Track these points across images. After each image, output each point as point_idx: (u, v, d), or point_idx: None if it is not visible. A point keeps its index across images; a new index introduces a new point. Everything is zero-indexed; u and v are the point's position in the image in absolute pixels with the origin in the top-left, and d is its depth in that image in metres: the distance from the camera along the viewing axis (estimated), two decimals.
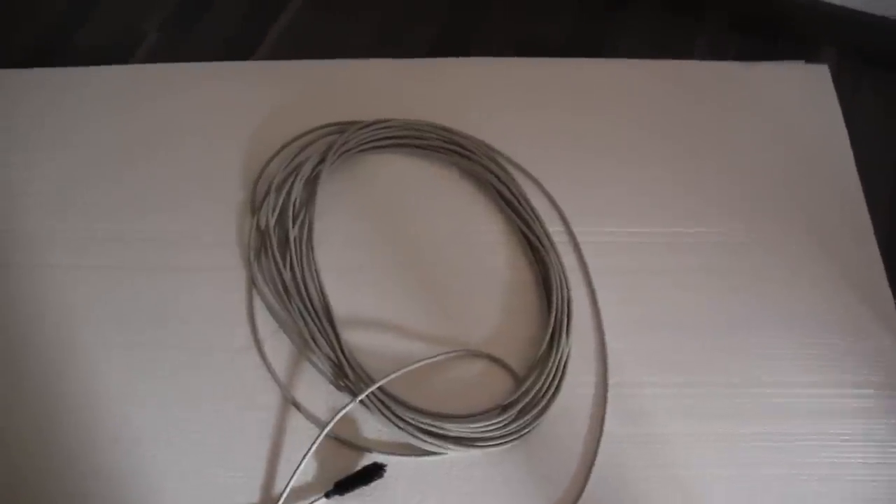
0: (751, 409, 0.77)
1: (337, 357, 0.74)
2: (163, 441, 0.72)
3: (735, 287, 0.85)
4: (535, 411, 0.74)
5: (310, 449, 0.70)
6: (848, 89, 1.00)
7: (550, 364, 0.76)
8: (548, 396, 0.75)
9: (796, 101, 0.99)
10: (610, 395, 0.77)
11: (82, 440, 0.72)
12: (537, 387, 0.75)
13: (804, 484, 0.74)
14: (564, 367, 0.77)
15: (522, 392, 0.75)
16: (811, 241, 0.88)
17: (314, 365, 0.76)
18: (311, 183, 0.85)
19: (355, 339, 0.77)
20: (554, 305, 0.79)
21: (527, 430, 0.73)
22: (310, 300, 0.77)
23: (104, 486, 0.70)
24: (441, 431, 0.71)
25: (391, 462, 0.71)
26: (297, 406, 0.74)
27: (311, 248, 0.80)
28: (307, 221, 0.82)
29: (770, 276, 0.85)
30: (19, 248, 0.82)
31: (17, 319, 0.78)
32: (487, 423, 0.73)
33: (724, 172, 0.93)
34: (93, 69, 0.96)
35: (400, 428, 0.71)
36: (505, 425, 0.73)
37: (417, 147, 0.90)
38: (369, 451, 0.72)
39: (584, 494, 0.72)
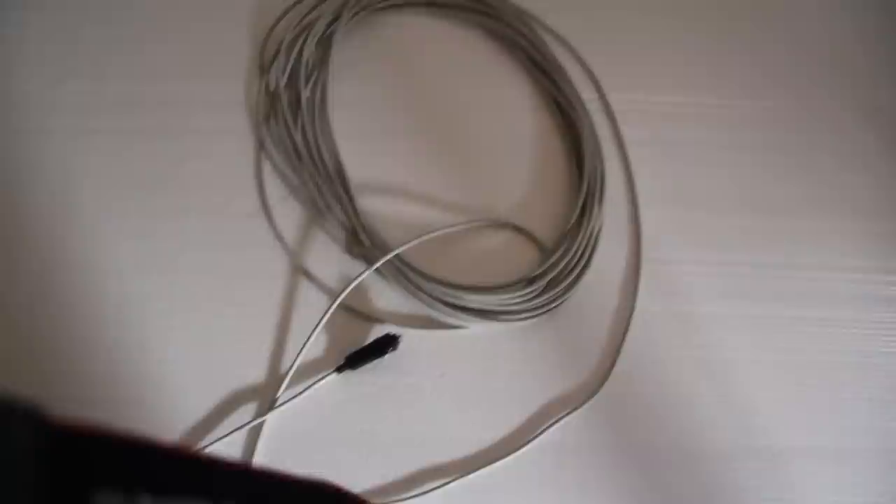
0: (791, 291, 0.73)
1: (351, 223, 0.69)
2: (166, 310, 0.68)
3: (780, 164, 0.80)
4: (563, 285, 0.69)
5: (321, 319, 0.66)
6: None
7: (581, 236, 0.71)
8: (577, 270, 0.70)
9: None
10: (643, 270, 0.73)
11: (84, 309, 0.68)
12: (566, 259, 0.70)
13: (843, 370, 0.70)
14: (596, 239, 0.72)
15: (550, 264, 0.70)
16: (863, 118, 0.82)
17: (326, 232, 0.71)
18: (325, 42, 0.79)
19: (371, 206, 0.73)
20: (586, 174, 0.74)
21: (554, 305, 0.69)
22: (322, 164, 0.71)
23: (104, 356, 0.66)
24: (462, 303, 0.67)
25: (408, 335, 0.67)
26: (308, 275, 0.70)
27: (324, 110, 0.75)
28: (320, 83, 0.76)
29: (819, 156, 0.80)
30: (17, 112, 0.76)
31: (15, 186, 0.73)
32: (512, 295, 0.68)
33: (772, 42, 0.87)
34: None
35: (418, 298, 0.67)
36: (531, 298, 0.68)
37: (440, 6, 0.83)
38: (383, 322, 0.68)
39: (613, 373, 0.68)
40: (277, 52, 0.78)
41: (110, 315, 0.68)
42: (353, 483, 0.63)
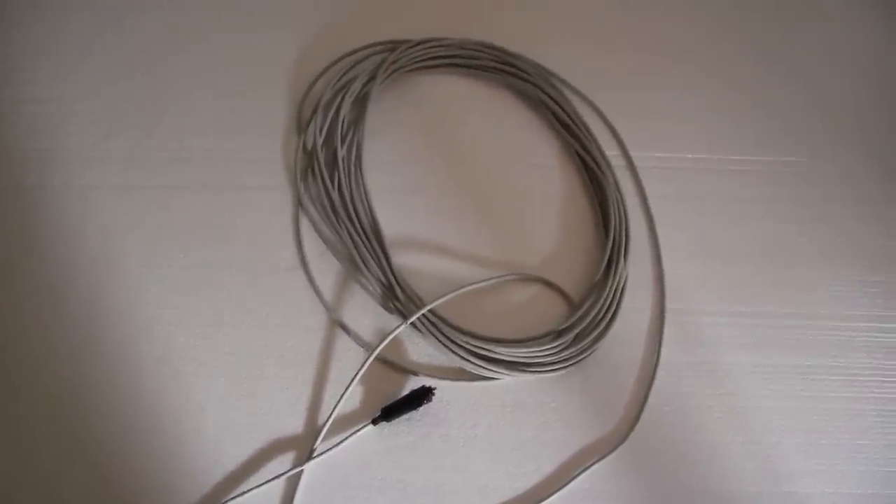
0: (810, 341, 0.75)
1: (387, 278, 0.72)
2: (206, 363, 0.71)
3: (797, 218, 0.82)
4: (591, 337, 0.72)
5: (358, 372, 0.68)
6: None
7: (608, 289, 0.74)
8: (605, 322, 0.73)
9: (860, 25, 0.95)
10: (667, 322, 0.75)
11: (125, 363, 0.70)
12: (593, 312, 0.72)
13: (865, 418, 0.72)
14: (622, 292, 0.75)
15: (578, 317, 0.72)
16: (879, 175, 0.85)
17: (363, 286, 0.74)
18: (360, 102, 0.82)
19: (405, 261, 0.75)
20: (612, 229, 0.76)
21: (582, 356, 0.71)
22: (359, 221, 0.74)
23: (146, 409, 0.68)
24: (494, 355, 0.69)
25: (441, 387, 0.70)
26: (345, 328, 0.72)
27: (359, 168, 0.78)
28: (356, 141, 0.79)
29: (834, 209, 0.83)
30: (59, 169, 0.80)
31: (58, 241, 0.76)
32: (542, 348, 0.70)
33: (789, 100, 0.89)
34: None
35: (452, 351, 0.69)
36: (560, 350, 0.71)
37: (471, 67, 0.87)
38: (417, 374, 0.71)
39: (640, 423, 0.70)
40: (315, 111, 0.82)
41: (152, 366, 0.70)
42: None
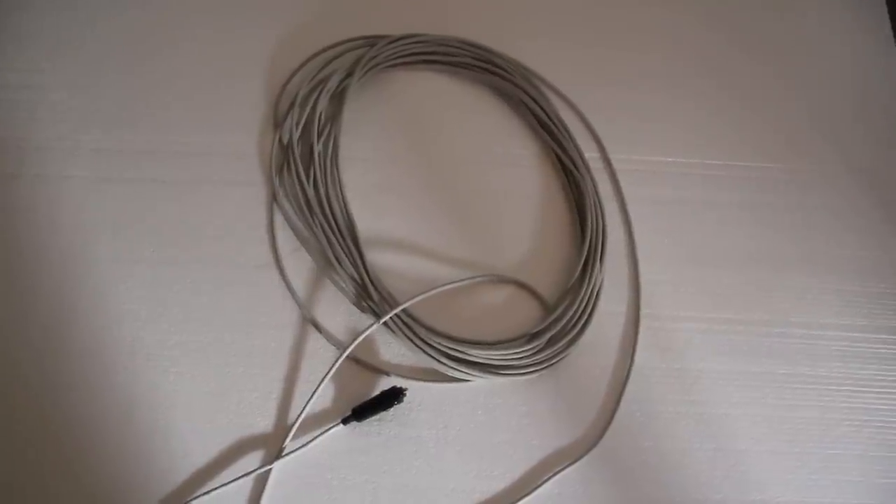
0: (783, 349, 0.75)
1: (360, 277, 0.71)
2: (176, 360, 0.70)
3: (772, 225, 0.82)
4: (564, 340, 0.71)
5: (329, 371, 0.67)
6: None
7: (582, 293, 0.73)
8: (579, 326, 0.72)
9: (846, 33, 0.95)
10: (642, 327, 0.75)
11: (93, 358, 0.69)
12: (568, 315, 0.72)
13: (835, 428, 0.72)
14: (597, 296, 0.74)
15: (553, 320, 0.72)
16: (854, 182, 0.85)
17: (336, 284, 0.73)
18: (338, 98, 0.81)
19: (379, 259, 0.75)
20: (588, 232, 0.76)
21: (555, 360, 0.71)
22: (333, 218, 0.74)
23: (114, 405, 0.67)
24: (466, 357, 0.69)
25: (413, 388, 0.69)
26: (317, 326, 0.72)
27: (335, 164, 0.77)
28: (332, 137, 0.78)
29: (809, 216, 0.83)
30: (32, 160, 0.78)
31: (29, 233, 0.75)
32: (515, 350, 0.70)
33: (767, 108, 0.89)
34: None
35: (424, 352, 0.69)
36: (533, 353, 0.70)
37: (449, 64, 0.86)
38: (389, 375, 0.70)
39: (611, 427, 0.70)
40: (291, 106, 0.81)
41: (121, 361, 0.69)
42: None
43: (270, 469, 0.65)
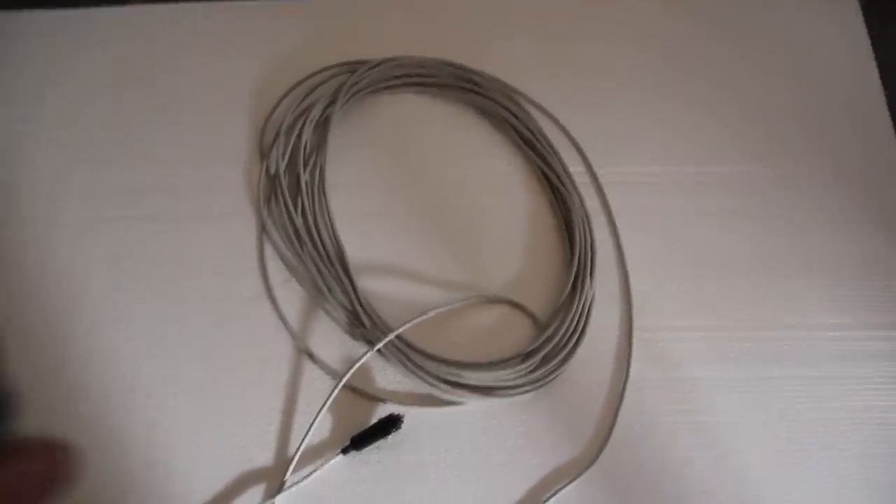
0: (778, 352, 0.75)
1: (352, 305, 0.72)
2: (173, 396, 0.70)
3: (761, 228, 0.82)
4: (558, 358, 0.71)
5: (326, 401, 0.68)
6: (875, 24, 0.95)
7: (574, 309, 0.74)
8: (572, 343, 0.72)
9: (824, 36, 0.95)
10: (635, 339, 0.75)
11: (90, 398, 0.70)
12: (560, 333, 0.72)
13: (833, 427, 0.72)
14: (589, 312, 0.75)
15: (545, 339, 0.72)
16: (839, 182, 0.85)
17: (328, 314, 0.74)
18: (322, 126, 0.81)
19: (371, 286, 0.75)
20: (577, 248, 0.76)
21: (550, 378, 0.71)
22: (323, 247, 0.74)
23: (112, 443, 0.68)
24: (461, 380, 0.69)
25: (410, 413, 0.69)
26: (312, 356, 0.72)
27: (323, 192, 0.77)
28: (318, 165, 0.79)
29: (796, 217, 0.83)
30: (26, 200, 0.79)
31: (20, 275, 0.75)
32: (510, 370, 0.70)
33: (750, 110, 0.89)
34: (91, 11, 0.91)
35: (419, 377, 0.69)
36: (528, 373, 0.71)
37: (431, 86, 0.86)
38: (386, 402, 0.70)
39: (610, 442, 0.70)
40: (276, 136, 0.81)
41: (118, 400, 0.70)
42: None
43: (273, 503, 0.65)
